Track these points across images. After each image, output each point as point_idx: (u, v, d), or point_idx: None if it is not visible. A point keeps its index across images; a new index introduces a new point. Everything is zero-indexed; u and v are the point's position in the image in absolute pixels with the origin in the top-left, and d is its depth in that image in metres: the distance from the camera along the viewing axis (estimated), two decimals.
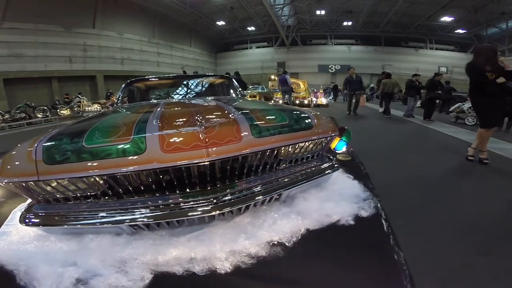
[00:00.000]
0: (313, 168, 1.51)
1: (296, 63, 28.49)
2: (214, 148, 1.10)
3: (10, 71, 13.66)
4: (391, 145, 5.02)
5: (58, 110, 12.64)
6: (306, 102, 11.79)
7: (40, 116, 11.03)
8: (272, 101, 12.06)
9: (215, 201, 1.16)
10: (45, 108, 11.69)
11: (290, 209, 1.38)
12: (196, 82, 3.33)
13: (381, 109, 9.62)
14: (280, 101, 10.76)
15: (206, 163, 1.11)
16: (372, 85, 20.02)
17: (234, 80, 3.33)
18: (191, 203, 1.15)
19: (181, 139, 1.12)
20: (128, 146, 1.09)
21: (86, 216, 1.14)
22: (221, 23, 25.53)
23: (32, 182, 1.06)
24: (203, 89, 3.21)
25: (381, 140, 5.55)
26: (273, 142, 1.27)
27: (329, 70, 28.28)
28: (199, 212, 1.13)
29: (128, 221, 1.12)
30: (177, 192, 1.19)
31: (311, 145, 1.49)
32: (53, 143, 1.13)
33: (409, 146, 5.07)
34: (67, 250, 1.15)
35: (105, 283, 0.99)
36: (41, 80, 15.23)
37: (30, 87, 14.85)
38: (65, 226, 1.14)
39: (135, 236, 1.20)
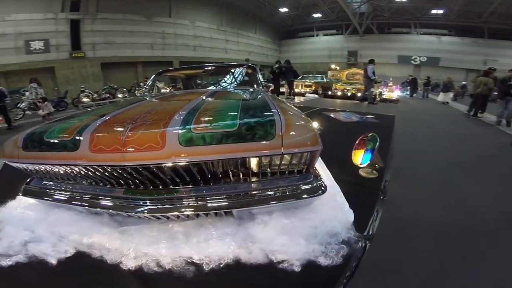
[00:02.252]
0: (281, 189, 1.20)
1: (370, 53, 25.64)
2: (131, 154, 1.09)
3: (106, 56, 16.31)
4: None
5: (136, 92, 14.59)
6: None
7: (120, 96, 12.91)
8: (330, 92, 11.16)
9: (141, 202, 1.17)
10: (124, 89, 13.62)
11: (235, 230, 1.19)
12: (216, 72, 3.40)
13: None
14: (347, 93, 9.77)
15: (125, 167, 1.12)
16: (464, 82, 16.57)
17: (257, 70, 3.15)
18: (127, 199, 1.21)
19: (105, 141, 1.15)
20: (68, 143, 1.21)
21: (57, 193, 1.36)
22: (284, 9, 24.98)
23: (16, 163, 1.35)
24: (219, 80, 3.30)
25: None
26: (204, 153, 1.10)
27: (412, 61, 24.86)
28: (123, 208, 1.20)
29: (76, 202, 1.29)
30: (123, 187, 1.25)
31: (273, 161, 1.19)
32: (30, 134, 1.35)
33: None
34: (34, 218, 1.41)
35: (37, 249, 1.19)
36: (129, 64, 17.74)
37: (120, 70, 17.48)
38: (43, 199, 1.39)
39: (86, 217, 1.36)
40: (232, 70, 3.35)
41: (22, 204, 1.54)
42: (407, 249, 1.54)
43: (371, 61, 9.16)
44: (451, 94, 11.92)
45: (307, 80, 12.70)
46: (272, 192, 1.20)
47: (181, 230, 1.21)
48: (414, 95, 15.63)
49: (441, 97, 11.82)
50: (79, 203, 1.28)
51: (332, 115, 5.53)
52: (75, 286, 1.07)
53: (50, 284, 1.09)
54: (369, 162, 1.72)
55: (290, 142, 1.11)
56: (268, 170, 1.24)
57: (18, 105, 8.89)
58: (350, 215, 1.31)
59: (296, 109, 1.55)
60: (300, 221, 1.23)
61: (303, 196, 1.20)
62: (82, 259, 1.15)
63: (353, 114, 5.67)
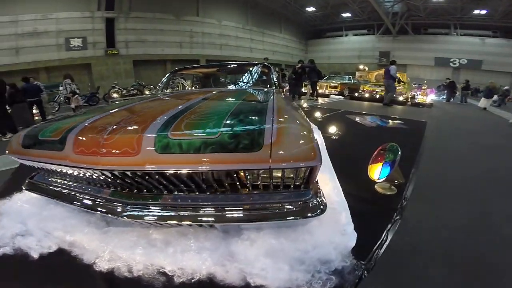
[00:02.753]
0: (272, 205, 1.07)
1: (404, 54, 24.64)
2: (106, 158, 1.06)
3: (137, 54, 17.06)
4: None
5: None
6: (401, 98, 9.72)
7: (147, 93, 13.43)
8: (357, 94, 10.64)
9: (122, 206, 1.14)
10: (151, 86, 14.14)
11: (216, 244, 1.10)
12: (229, 71, 3.33)
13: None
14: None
15: (101, 170, 1.09)
16: (507, 87, 14.99)
17: (271, 70, 3.01)
18: (111, 201, 1.18)
19: (86, 143, 1.13)
20: (56, 143, 1.21)
21: (51, 189, 1.39)
22: (311, 9, 24.54)
23: (19, 159, 1.39)
24: (231, 79, 3.25)
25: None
26: (180, 162, 1.01)
27: (451, 64, 23.28)
28: (104, 210, 1.17)
29: (66, 199, 1.31)
30: (110, 188, 1.23)
31: (257, 174, 1.06)
32: (29, 132, 1.40)
33: None
34: (30, 212, 1.45)
35: (23, 242, 1.23)
36: (158, 62, 18.42)
37: (150, 68, 18.20)
38: (40, 194, 1.41)
39: (76, 214, 1.36)
40: (245, 69, 3.27)
41: (24, 198, 1.58)
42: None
43: (393, 62, 8.83)
44: (491, 100, 10.77)
45: (333, 81, 12.25)
46: (260, 209, 1.06)
47: (161, 237, 1.16)
48: (452, 99, 14.42)
49: (482, 102, 10.74)
50: (68, 200, 1.29)
51: (356, 119, 5.20)
52: (48, 281, 1.10)
53: (27, 276, 1.11)
54: (387, 177, 1.50)
55: (281, 154, 0.95)
56: (259, 182, 1.09)
57: (55, 99, 9.61)
58: (351, 239, 1.12)
59: (301, 115, 1.38)
60: (290, 242, 1.08)
61: (297, 217, 1.05)
62: (61, 256, 1.17)
63: (380, 119, 5.29)
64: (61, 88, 9.01)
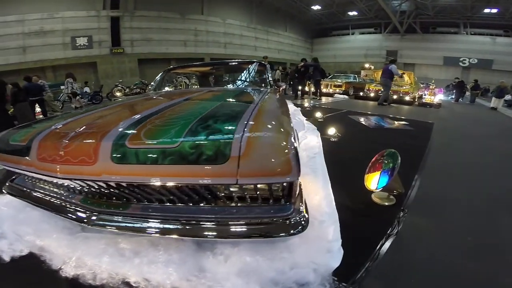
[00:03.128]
0: (247, 220, 0.97)
1: (412, 53, 24.31)
2: (64, 166, 1.01)
3: (142, 53, 17.11)
4: None
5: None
6: (408, 98, 9.45)
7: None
8: (362, 93, 10.41)
9: (92, 214, 1.11)
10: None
11: (186, 258, 1.05)
12: (222, 70, 3.28)
13: None
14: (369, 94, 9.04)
15: (58, 179, 1.06)
16: None
17: (267, 68, 2.91)
18: (82, 207, 1.15)
19: (47, 150, 1.09)
20: (23, 148, 1.17)
21: (27, 193, 1.35)
22: (316, 7, 24.16)
23: None
24: (224, 78, 3.21)
25: None
26: (137, 174, 0.94)
27: (460, 63, 22.76)
28: (74, 217, 1.13)
29: (37, 203, 1.28)
30: (81, 194, 1.20)
31: (226, 188, 1.00)
32: (2, 136, 1.35)
33: None
34: (6, 215, 1.44)
35: None
36: (163, 60, 18.39)
37: (155, 66, 18.18)
38: (19, 197, 1.37)
39: (50, 218, 1.33)
40: (240, 68, 3.20)
41: (5, 200, 1.55)
42: None
43: (393, 61, 8.68)
44: (502, 100, 10.39)
45: (337, 80, 12.02)
46: (233, 223, 0.96)
47: (130, 246, 1.13)
48: (460, 99, 14.02)
49: (494, 102, 10.38)
50: (43, 205, 1.26)
51: (359, 120, 5.05)
52: (15, 285, 1.10)
53: None
54: (385, 186, 1.37)
55: (250, 168, 0.85)
56: (233, 195, 0.98)
57: (59, 98, 9.70)
58: (336, 258, 1.02)
59: (286, 121, 1.21)
60: (267, 261, 0.99)
61: (272, 234, 0.95)
62: (31, 260, 1.18)
63: (384, 119, 5.12)
64: (62, 87, 9.07)
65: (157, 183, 0.95)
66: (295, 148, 0.89)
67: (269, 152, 0.88)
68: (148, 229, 1.01)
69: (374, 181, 1.43)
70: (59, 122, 1.31)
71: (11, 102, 6.29)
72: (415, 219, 1.45)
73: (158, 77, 3.10)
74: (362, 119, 5.05)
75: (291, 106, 6.20)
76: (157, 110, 1.40)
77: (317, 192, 1.63)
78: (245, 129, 0.96)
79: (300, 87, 9.67)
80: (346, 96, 10.89)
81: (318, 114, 4.86)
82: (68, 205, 1.17)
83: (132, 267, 1.04)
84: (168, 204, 1.06)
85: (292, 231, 0.94)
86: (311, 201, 1.48)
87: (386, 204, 1.47)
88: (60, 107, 9.20)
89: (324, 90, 11.36)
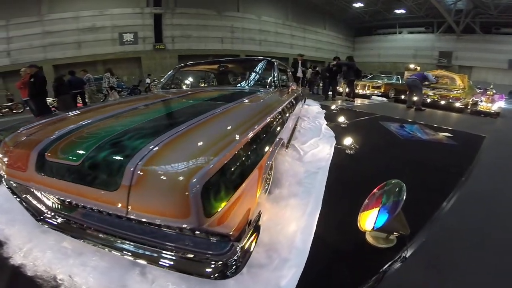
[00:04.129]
0: (168, 248, 0.90)
1: (470, 55, 21.79)
2: (7, 169, 1.09)
3: (182, 49, 17.78)
4: None
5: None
6: (458, 104, 8.23)
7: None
8: (404, 96, 9.38)
9: (40, 210, 1.21)
10: None
11: (112, 269, 1.07)
12: (228, 68, 3.14)
13: None
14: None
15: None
16: None
17: (274, 67, 2.68)
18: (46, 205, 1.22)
19: (4, 151, 1.15)
20: None
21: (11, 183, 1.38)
22: (358, 5, 22.67)
23: None
24: (231, 76, 3.15)
25: None
26: (50, 186, 0.98)
27: None
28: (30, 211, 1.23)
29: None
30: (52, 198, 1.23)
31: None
32: None
33: None
34: None
35: None
36: (201, 57, 18.92)
37: None
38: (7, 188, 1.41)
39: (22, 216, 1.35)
40: (246, 66, 3.07)
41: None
42: None
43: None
44: None
45: (377, 81, 11.04)
46: (153, 246, 0.92)
47: (72, 247, 1.20)
48: None
49: None
50: (14, 195, 1.34)
51: (390, 127, 4.45)
52: None
53: None
54: (383, 226, 1.03)
55: (141, 202, 0.74)
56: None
57: (102, 90, 10.50)
58: None
59: (228, 142, 0.96)
60: None
61: (187, 270, 0.86)
62: None
63: (422, 129, 4.45)
64: (103, 81, 9.76)
65: (63, 197, 0.98)
66: (206, 186, 0.73)
67: (163, 188, 0.73)
68: (79, 235, 1.06)
69: (370, 220, 1.09)
70: (28, 125, 1.35)
71: (54, 95, 6.92)
72: (418, 269, 1.07)
73: (167, 75, 3.03)
74: (394, 127, 4.44)
75: (314, 108, 5.78)
76: (97, 119, 1.33)
77: (297, 220, 1.41)
78: (147, 154, 0.81)
79: (331, 88, 9.06)
80: (385, 99, 9.93)
81: (344, 118, 4.38)
82: (29, 200, 1.26)
83: (65, 265, 1.11)
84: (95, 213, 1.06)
85: (211, 275, 0.81)
86: (284, 231, 1.30)
87: (382, 246, 1.12)
88: (102, 100, 9.95)
89: (360, 91, 10.53)
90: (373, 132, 4.16)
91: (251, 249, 0.93)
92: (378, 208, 1.09)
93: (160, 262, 0.88)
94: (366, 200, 1.23)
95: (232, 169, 0.85)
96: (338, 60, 8.53)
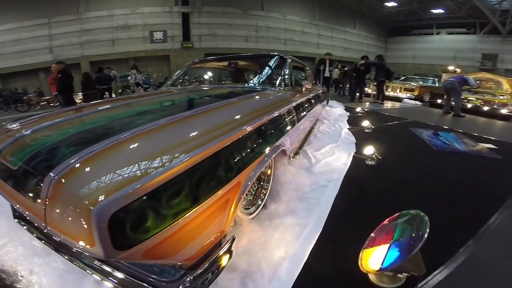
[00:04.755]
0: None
1: None
2: None
3: (208, 47, 18.02)
4: None
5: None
6: (505, 111, 7.24)
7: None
8: (440, 100, 8.53)
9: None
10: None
11: (70, 275, 1.05)
12: (238, 66, 2.91)
13: None
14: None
15: None
16: None
17: (286, 64, 2.44)
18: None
19: None
20: None
21: None
22: (391, 4, 21.52)
23: None
24: (241, 73, 3.04)
25: None
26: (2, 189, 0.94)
27: None
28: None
29: None
30: None
31: None
32: None
33: None
34: None
35: None
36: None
37: None
38: None
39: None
40: (256, 63, 2.91)
41: None
42: None
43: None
44: None
45: (411, 83, 10.20)
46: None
47: (42, 246, 1.16)
48: None
49: None
50: None
51: (423, 134, 3.95)
52: None
53: None
54: (393, 266, 0.76)
55: (54, 220, 0.70)
56: None
57: (130, 87, 10.91)
58: None
59: (179, 151, 0.82)
60: None
61: None
62: None
63: (460, 138, 3.90)
64: (129, 78, 10.12)
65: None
66: (119, 215, 0.62)
67: (70, 209, 0.66)
68: (39, 236, 1.00)
69: (375, 258, 0.81)
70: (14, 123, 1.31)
71: (81, 90, 7.28)
72: None
73: (178, 71, 2.92)
74: (427, 135, 3.93)
75: (336, 110, 5.38)
76: (61, 120, 1.26)
77: (288, 245, 1.22)
78: (69, 165, 0.73)
79: (358, 89, 8.50)
80: (419, 103, 9.12)
81: (369, 122, 3.97)
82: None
83: (30, 262, 1.13)
84: None
85: None
86: (269, 257, 1.15)
87: (385, 286, 0.84)
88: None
89: (391, 94, 9.80)
90: (402, 139, 3.71)
91: (212, 278, 0.85)
92: (387, 245, 0.81)
93: (109, 277, 0.82)
94: (372, 234, 0.95)
95: (176, 191, 0.74)
96: (366, 60, 7.96)
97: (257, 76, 2.58)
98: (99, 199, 0.61)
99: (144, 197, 0.66)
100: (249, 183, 1.08)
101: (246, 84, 2.63)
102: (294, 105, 2.07)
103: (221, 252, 0.88)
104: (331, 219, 1.46)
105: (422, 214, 0.95)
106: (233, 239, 0.96)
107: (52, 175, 0.71)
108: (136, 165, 0.71)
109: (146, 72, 14.21)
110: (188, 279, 0.78)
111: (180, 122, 1.04)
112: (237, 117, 1.21)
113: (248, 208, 1.48)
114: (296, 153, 2.24)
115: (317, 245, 1.24)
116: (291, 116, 1.87)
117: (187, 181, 0.77)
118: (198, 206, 0.78)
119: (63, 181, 0.69)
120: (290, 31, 20.59)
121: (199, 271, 0.80)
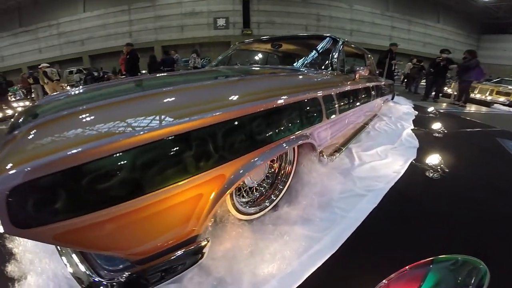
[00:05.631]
0: None
1: None
2: None
3: (267, 35, 17.76)
4: None
5: None
6: None
7: None
8: None
9: None
10: None
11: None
12: (284, 48, 2.69)
13: None
14: None
15: None
16: None
17: (337, 48, 2.07)
18: None
19: None
20: None
21: None
22: None
23: None
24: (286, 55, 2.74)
25: None
26: None
27: None
28: None
29: None
30: None
31: None
32: None
33: None
34: None
35: None
36: None
37: None
38: None
39: None
40: (303, 45, 2.58)
41: None
42: None
43: None
44: None
45: (509, 86, 8.24)
46: None
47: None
48: None
49: None
50: None
51: None
52: None
53: None
54: None
55: None
56: None
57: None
58: None
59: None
60: None
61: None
62: None
63: None
64: (189, 61, 10.71)
65: None
66: (23, 188, 0.54)
67: None
68: None
69: None
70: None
71: (148, 71, 8.04)
72: None
73: (225, 52, 2.81)
74: None
75: (402, 108, 4.56)
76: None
77: (285, 261, 0.99)
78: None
79: (435, 87, 7.22)
80: None
81: (441, 125, 3.20)
82: None
83: None
84: None
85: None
86: (254, 270, 0.95)
87: None
88: None
89: (477, 96, 8.09)
90: (482, 151, 2.88)
91: (164, 276, 0.77)
92: None
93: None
94: (385, 281, 0.60)
95: (110, 174, 0.61)
96: (447, 54, 6.61)
97: (302, 58, 2.25)
98: (6, 169, 0.54)
99: (60, 174, 0.56)
100: (242, 178, 0.87)
101: (292, 64, 2.32)
102: (338, 92, 1.68)
103: (181, 252, 0.78)
104: (354, 240, 1.09)
105: (478, 261, 0.62)
106: (207, 241, 0.84)
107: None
108: (68, 135, 0.62)
109: (208, 57, 14.78)
110: (129, 272, 0.72)
111: (157, 96, 0.86)
112: (236, 94, 0.95)
113: (248, 208, 1.22)
114: (337, 150, 1.85)
115: (322, 270, 0.95)
116: (330, 104, 1.51)
117: (129, 164, 0.63)
118: (144, 196, 0.65)
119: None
120: (357, 22, 19.03)
121: (145, 267, 0.74)
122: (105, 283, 0.72)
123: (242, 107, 0.89)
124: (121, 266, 0.76)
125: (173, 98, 0.83)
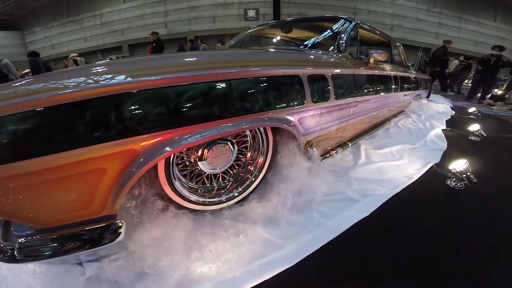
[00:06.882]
0: None
1: None
2: None
3: None
4: None
5: None
6: None
7: None
8: None
9: None
10: None
11: None
12: (295, 30, 2.50)
13: None
14: None
15: None
16: None
17: (346, 30, 1.88)
18: None
19: None
20: None
21: None
22: None
23: None
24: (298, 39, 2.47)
25: None
26: None
27: None
28: None
29: None
30: None
31: None
32: None
33: None
34: None
35: None
36: None
37: None
38: None
39: None
40: (313, 27, 2.42)
41: None
42: None
43: None
44: None
45: None
46: None
47: None
48: None
49: None
50: None
51: None
52: None
53: None
54: None
55: None
56: None
57: None
58: None
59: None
60: None
61: None
62: None
63: None
64: None
65: None
66: None
67: None
68: None
69: None
70: None
71: None
72: None
73: (239, 35, 2.85)
74: None
75: (437, 107, 4.04)
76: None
77: (229, 266, 0.86)
78: None
79: (482, 87, 6.42)
80: None
81: (480, 128, 2.74)
82: None
83: None
84: None
85: None
86: (189, 267, 0.85)
87: None
88: None
89: None
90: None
91: (60, 248, 0.72)
92: None
93: None
94: None
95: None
96: (499, 51, 5.80)
97: (308, 39, 2.03)
98: None
99: None
100: (163, 155, 0.75)
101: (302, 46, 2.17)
102: (336, 74, 1.41)
103: (86, 229, 0.74)
104: (322, 256, 0.87)
105: None
106: (121, 223, 0.78)
107: None
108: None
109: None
110: (28, 239, 0.70)
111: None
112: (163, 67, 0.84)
113: (204, 197, 1.05)
114: (340, 145, 1.61)
115: (268, 285, 0.77)
116: (322, 87, 1.26)
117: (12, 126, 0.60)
118: (31, 160, 0.62)
119: None
120: (399, 17, 17.71)
121: (46, 236, 0.72)
122: (1, 245, 0.71)
123: (158, 78, 0.77)
124: (27, 233, 0.73)
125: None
